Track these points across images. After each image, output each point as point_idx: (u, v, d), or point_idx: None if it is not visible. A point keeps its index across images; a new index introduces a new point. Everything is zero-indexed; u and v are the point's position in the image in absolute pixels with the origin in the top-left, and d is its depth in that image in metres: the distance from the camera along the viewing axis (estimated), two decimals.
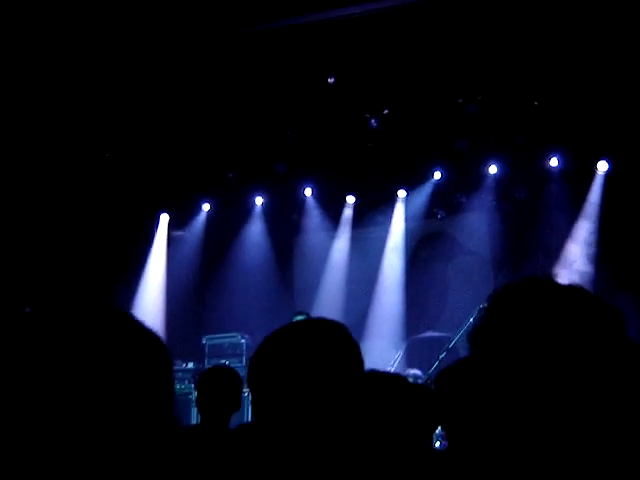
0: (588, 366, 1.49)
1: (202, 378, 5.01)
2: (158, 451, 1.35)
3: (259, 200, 12.82)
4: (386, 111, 10.86)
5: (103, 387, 1.24)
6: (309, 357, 1.91)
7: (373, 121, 10.95)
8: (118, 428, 1.24)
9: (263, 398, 1.93)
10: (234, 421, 5.02)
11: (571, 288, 1.61)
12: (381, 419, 2.80)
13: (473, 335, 1.65)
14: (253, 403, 2.02)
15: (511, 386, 1.53)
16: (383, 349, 11.47)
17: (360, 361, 2.00)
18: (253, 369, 1.99)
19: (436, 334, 10.93)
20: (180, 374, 10.56)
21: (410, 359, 10.97)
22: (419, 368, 9.63)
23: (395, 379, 3.22)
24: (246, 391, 5.14)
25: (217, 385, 4.77)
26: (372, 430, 2.61)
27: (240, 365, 10.99)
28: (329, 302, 12.24)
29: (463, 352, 8.69)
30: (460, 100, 10.40)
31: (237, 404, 4.85)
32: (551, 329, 1.52)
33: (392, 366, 9.92)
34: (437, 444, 6.69)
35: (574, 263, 10.93)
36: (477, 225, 11.98)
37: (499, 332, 1.58)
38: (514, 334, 1.55)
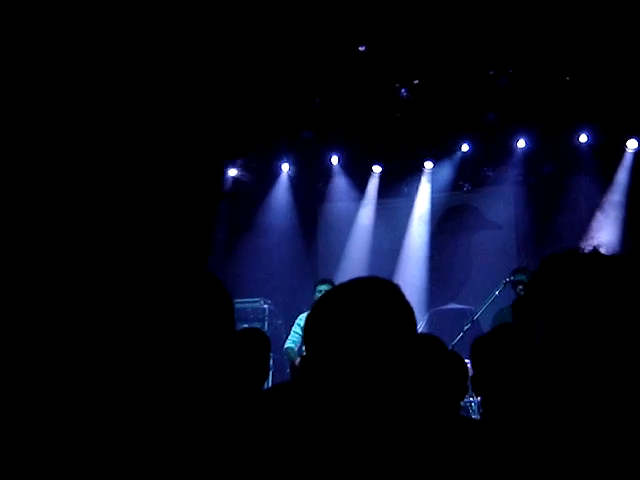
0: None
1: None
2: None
3: (285, 167, 12.83)
4: (416, 81, 10.80)
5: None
6: (366, 315, 1.91)
7: (403, 91, 10.90)
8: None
9: (318, 355, 1.93)
10: None
11: (614, 257, 1.61)
12: (419, 381, 2.83)
13: (519, 304, 1.66)
14: (306, 359, 2.02)
15: (556, 356, 1.53)
16: None
17: (414, 322, 2.01)
18: (310, 326, 1.99)
19: (458, 306, 10.96)
20: None
21: (432, 330, 11.00)
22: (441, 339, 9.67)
23: (432, 340, 3.25)
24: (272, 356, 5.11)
25: (247, 347, 4.72)
26: (412, 391, 2.62)
27: (262, 330, 11.07)
28: (352, 271, 12.26)
29: (486, 325, 8.72)
30: (491, 72, 10.33)
31: (266, 369, 4.79)
32: (604, 295, 1.52)
33: None
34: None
35: (600, 240, 10.88)
36: (503, 199, 11.95)
37: (546, 301, 1.58)
38: (562, 303, 1.55)
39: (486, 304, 8.43)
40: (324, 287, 8.69)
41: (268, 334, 5.21)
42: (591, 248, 1.67)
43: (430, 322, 11.31)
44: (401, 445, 1.83)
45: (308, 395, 1.94)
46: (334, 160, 12.55)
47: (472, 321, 8.42)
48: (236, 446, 1.71)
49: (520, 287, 8.17)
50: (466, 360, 3.54)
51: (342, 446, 1.81)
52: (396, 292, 2.01)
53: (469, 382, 3.33)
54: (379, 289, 2.00)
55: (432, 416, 2.72)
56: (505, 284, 8.45)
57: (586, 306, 1.52)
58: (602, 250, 1.66)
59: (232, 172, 12.91)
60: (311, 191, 13.06)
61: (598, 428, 1.47)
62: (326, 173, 12.78)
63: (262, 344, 4.83)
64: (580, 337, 1.51)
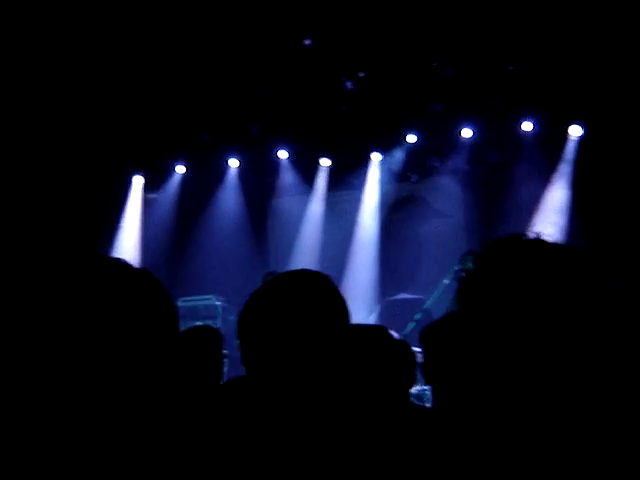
0: (579, 317, 1.52)
1: (182, 338, 4.97)
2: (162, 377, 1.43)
3: (233, 162, 12.77)
4: (361, 74, 10.83)
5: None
6: (298, 307, 1.95)
7: (348, 84, 10.92)
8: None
9: (252, 350, 1.95)
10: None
11: (557, 244, 1.64)
12: (363, 370, 2.82)
13: (462, 290, 1.67)
14: (243, 355, 2.04)
15: (499, 339, 1.55)
16: (357, 311, 11.53)
17: (346, 311, 2.02)
18: (243, 321, 2.01)
19: (410, 296, 11.01)
20: None
21: (384, 321, 11.06)
22: (393, 330, 9.71)
23: (377, 330, 3.22)
24: (226, 351, 5.10)
25: (199, 345, 4.72)
26: (355, 381, 2.63)
27: (215, 327, 11.02)
28: (304, 264, 12.17)
29: (437, 313, 8.78)
30: (435, 64, 10.40)
31: (219, 366, 4.79)
32: (541, 282, 1.55)
33: None
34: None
35: (546, 227, 11.03)
36: (450, 188, 12.04)
37: (488, 286, 1.60)
38: (504, 288, 1.57)
39: (435, 293, 8.48)
40: None
41: (222, 331, 5.21)
42: (534, 235, 1.69)
43: (382, 313, 11.36)
44: (339, 432, 1.85)
45: (249, 388, 1.96)
46: (282, 154, 12.53)
47: (422, 310, 8.46)
48: (188, 441, 1.72)
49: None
50: (417, 349, 3.54)
51: (280, 437, 1.82)
52: (326, 283, 2.03)
53: (420, 371, 3.34)
54: (309, 281, 2.02)
55: (375, 404, 2.72)
56: (455, 272, 8.51)
57: (525, 292, 1.55)
58: (544, 237, 1.68)
59: (180, 169, 12.83)
60: (260, 186, 13.01)
61: (545, 415, 1.50)
62: (275, 168, 12.75)
63: (214, 341, 4.82)
64: (519, 321, 1.54)
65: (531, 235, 1.69)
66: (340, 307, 2.01)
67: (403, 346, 3.59)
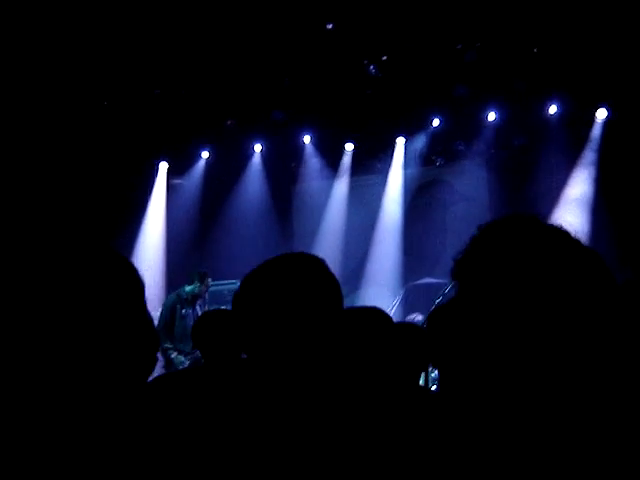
0: (569, 302, 1.53)
1: (200, 320, 5.05)
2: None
3: (258, 147, 12.80)
4: (385, 58, 10.79)
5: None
6: (290, 290, 1.95)
7: (372, 68, 10.89)
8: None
9: (248, 332, 1.97)
10: None
11: (552, 228, 1.64)
12: (366, 354, 2.82)
13: (455, 270, 1.68)
14: (240, 339, 2.06)
15: (490, 323, 1.56)
16: (381, 295, 11.56)
17: (339, 293, 2.04)
18: (237, 303, 2.03)
19: (434, 280, 10.99)
20: None
21: (408, 305, 11.07)
22: (420, 314, 9.72)
23: (378, 315, 3.17)
24: None
25: (217, 327, 4.78)
26: (356, 364, 2.63)
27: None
28: (328, 249, 12.28)
29: None
30: (459, 46, 10.34)
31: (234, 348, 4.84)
32: (530, 266, 1.55)
33: (390, 311, 10.01)
34: (433, 387, 6.80)
35: (571, 210, 10.97)
36: (475, 172, 11.99)
37: (480, 267, 1.61)
38: (495, 269, 1.58)
39: None
40: None
41: None
42: (530, 217, 1.69)
43: (406, 297, 11.37)
44: (338, 417, 1.86)
45: (247, 369, 1.99)
46: (306, 140, 12.54)
47: (444, 294, 8.42)
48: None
49: None
50: None
51: (275, 421, 1.84)
52: (320, 267, 2.03)
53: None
54: (302, 265, 2.03)
55: (375, 387, 2.71)
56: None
57: (516, 274, 1.56)
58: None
59: (204, 155, 12.88)
60: (284, 171, 13.05)
61: (546, 397, 1.51)
62: (299, 153, 12.77)
63: (228, 324, 4.89)
64: (510, 305, 1.55)
65: (528, 217, 1.69)
66: (333, 290, 2.02)
67: (409, 329, 3.57)
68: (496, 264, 1.59)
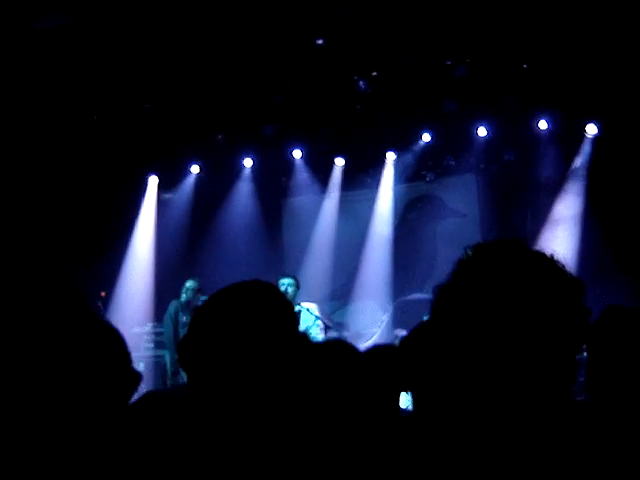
0: (546, 333, 1.53)
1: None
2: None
3: (248, 162, 12.79)
4: (375, 73, 10.82)
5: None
6: (242, 320, 1.94)
7: (361, 83, 10.91)
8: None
9: (199, 366, 1.95)
10: None
11: (537, 255, 1.63)
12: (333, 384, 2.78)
13: (437, 297, 1.67)
14: (188, 375, 2.04)
15: (468, 349, 1.56)
16: (371, 310, 11.55)
17: (294, 321, 2.03)
18: (187, 339, 2.02)
19: (424, 296, 11.00)
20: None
21: (397, 320, 11.06)
22: (406, 329, 9.71)
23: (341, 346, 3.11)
24: None
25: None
26: (320, 392, 2.61)
27: None
28: (318, 264, 12.29)
29: None
30: (449, 62, 10.37)
31: None
32: (510, 295, 1.55)
33: (379, 327, 10.01)
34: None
35: (562, 225, 10.99)
36: (466, 187, 12.02)
37: (461, 295, 1.60)
38: (476, 297, 1.57)
39: None
40: (286, 281, 9.02)
41: None
42: (515, 242, 1.69)
43: (396, 312, 11.36)
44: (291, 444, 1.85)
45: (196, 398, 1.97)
46: (296, 154, 12.54)
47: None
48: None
49: None
50: None
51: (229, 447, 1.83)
52: (274, 293, 2.03)
53: None
54: (256, 293, 2.03)
55: (350, 416, 2.68)
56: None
57: (498, 300, 1.55)
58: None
59: (194, 169, 12.87)
60: (274, 186, 13.03)
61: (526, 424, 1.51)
62: (289, 168, 12.76)
63: None
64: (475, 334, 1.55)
65: (513, 243, 1.69)
66: (289, 318, 2.01)
67: (378, 354, 3.51)
68: (476, 293, 1.58)
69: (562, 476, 1.45)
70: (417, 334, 3.10)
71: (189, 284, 9.92)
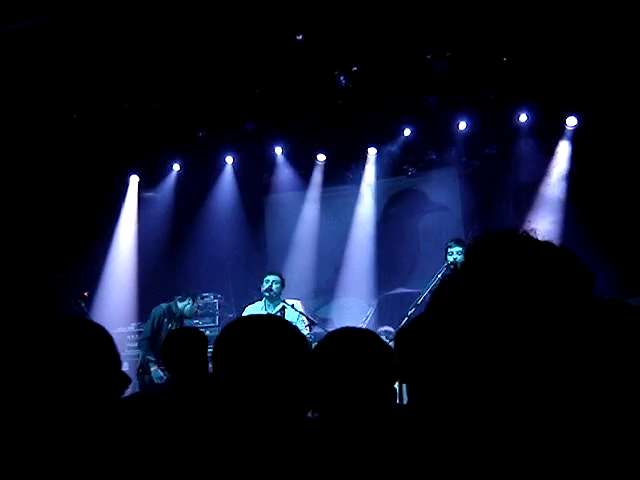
0: (552, 324, 1.51)
1: (167, 339, 5.01)
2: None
3: (229, 159, 12.76)
4: (355, 68, 10.81)
5: None
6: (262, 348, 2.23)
7: (342, 78, 10.90)
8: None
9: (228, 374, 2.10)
10: None
11: (544, 244, 1.63)
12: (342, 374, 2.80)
13: (441, 289, 1.66)
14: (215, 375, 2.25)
15: (472, 341, 1.55)
16: (355, 306, 11.56)
17: (306, 351, 2.29)
18: (216, 357, 2.29)
19: (407, 290, 11.00)
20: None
21: (382, 315, 11.07)
22: (390, 324, 9.73)
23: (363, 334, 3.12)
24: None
25: (183, 345, 4.77)
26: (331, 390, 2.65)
27: (213, 325, 11.03)
28: (301, 260, 12.28)
29: None
30: (429, 56, 10.38)
31: (204, 363, 4.83)
32: (519, 284, 1.54)
33: (364, 322, 10.00)
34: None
35: (543, 218, 11.02)
36: (447, 181, 12.05)
37: (466, 287, 1.59)
38: (482, 291, 1.56)
39: (429, 287, 8.37)
40: (272, 277, 9.12)
41: (220, 328, 5.28)
42: (526, 232, 1.68)
43: (380, 307, 11.36)
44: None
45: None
46: (278, 151, 12.52)
47: (416, 305, 8.37)
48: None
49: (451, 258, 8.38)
50: None
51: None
52: (289, 329, 2.31)
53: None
54: (270, 326, 2.34)
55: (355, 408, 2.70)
56: (447, 266, 8.44)
57: (510, 288, 1.54)
58: (535, 235, 1.67)
59: (176, 167, 12.83)
60: (256, 183, 13.01)
61: (532, 415, 1.50)
62: (270, 164, 12.74)
63: (199, 342, 4.88)
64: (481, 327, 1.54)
65: (522, 232, 1.68)
66: (302, 346, 2.27)
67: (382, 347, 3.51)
68: (484, 284, 1.57)
69: (560, 474, 1.44)
70: (414, 325, 3.10)
71: (180, 306, 9.92)
